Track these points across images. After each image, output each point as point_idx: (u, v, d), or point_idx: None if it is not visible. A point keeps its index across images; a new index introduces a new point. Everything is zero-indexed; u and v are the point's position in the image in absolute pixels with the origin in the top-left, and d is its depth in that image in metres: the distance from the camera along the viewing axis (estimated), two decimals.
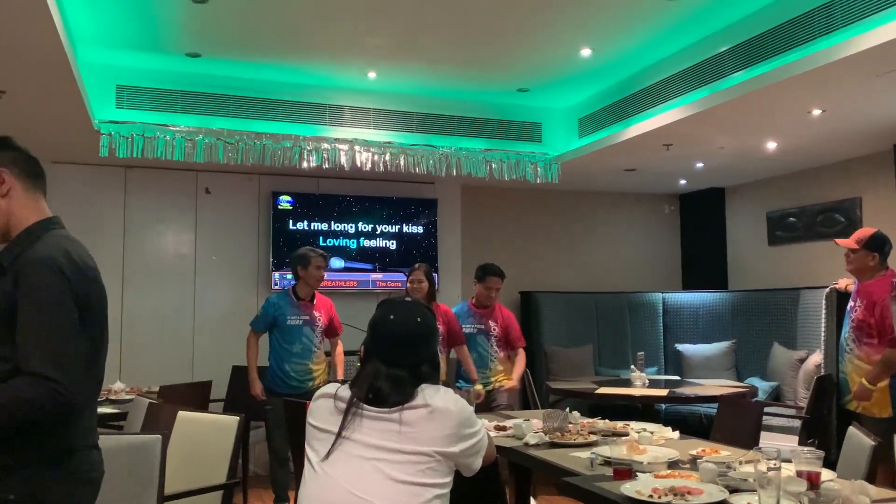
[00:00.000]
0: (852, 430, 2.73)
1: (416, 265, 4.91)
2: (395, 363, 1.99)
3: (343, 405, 1.97)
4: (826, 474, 2.40)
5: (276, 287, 6.38)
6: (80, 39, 4.65)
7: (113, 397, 4.86)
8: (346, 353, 5.68)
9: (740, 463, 2.54)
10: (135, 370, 5.87)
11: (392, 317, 2.04)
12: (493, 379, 5.03)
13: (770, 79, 4.16)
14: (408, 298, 2.10)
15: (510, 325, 5.16)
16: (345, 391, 2.00)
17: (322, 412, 2.01)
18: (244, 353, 6.22)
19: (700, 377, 6.39)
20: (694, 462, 2.71)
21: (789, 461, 2.44)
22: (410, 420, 1.93)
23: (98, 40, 4.72)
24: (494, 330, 5.08)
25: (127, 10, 4.26)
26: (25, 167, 1.93)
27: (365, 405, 1.95)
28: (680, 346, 6.95)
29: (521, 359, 5.13)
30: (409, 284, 4.83)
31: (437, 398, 1.96)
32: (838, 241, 4.37)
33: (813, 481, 2.26)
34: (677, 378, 6.28)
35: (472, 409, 2.08)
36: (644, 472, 2.54)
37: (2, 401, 1.67)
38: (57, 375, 1.68)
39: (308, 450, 2.02)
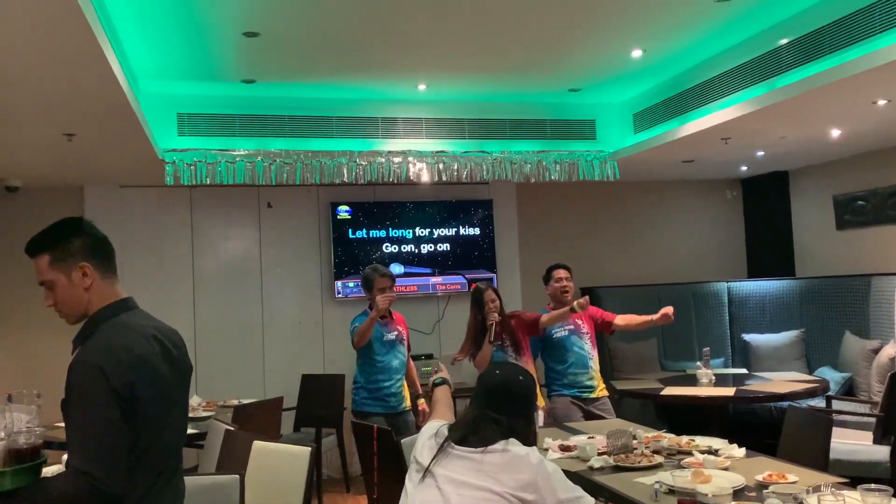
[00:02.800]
0: None
1: (485, 287, 4.87)
2: (492, 409, 2.21)
3: (440, 441, 2.21)
4: None
5: (340, 295, 6.52)
6: (141, 73, 4.82)
7: (191, 414, 5.07)
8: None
9: (807, 492, 2.52)
10: (210, 383, 6.11)
11: (498, 371, 2.35)
12: (595, 383, 4.88)
13: (832, 76, 4.02)
14: (513, 359, 2.33)
15: (594, 314, 5.03)
16: (444, 430, 2.25)
17: (424, 449, 2.25)
18: (313, 362, 6.45)
19: (768, 369, 6.28)
20: (760, 490, 2.71)
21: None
22: (491, 461, 2.12)
23: (157, 73, 4.88)
24: (584, 327, 4.93)
25: (182, 45, 4.39)
26: (100, 254, 2.01)
27: (454, 444, 2.18)
28: (747, 337, 6.83)
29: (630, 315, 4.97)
30: (488, 304, 4.73)
31: (519, 447, 2.15)
32: None
33: None
34: (744, 371, 6.19)
35: (557, 467, 2.18)
36: None
37: (51, 494, 1.80)
38: (95, 471, 1.77)
39: (407, 480, 2.26)
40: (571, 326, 4.92)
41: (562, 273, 5.03)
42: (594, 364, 4.93)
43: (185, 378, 2.09)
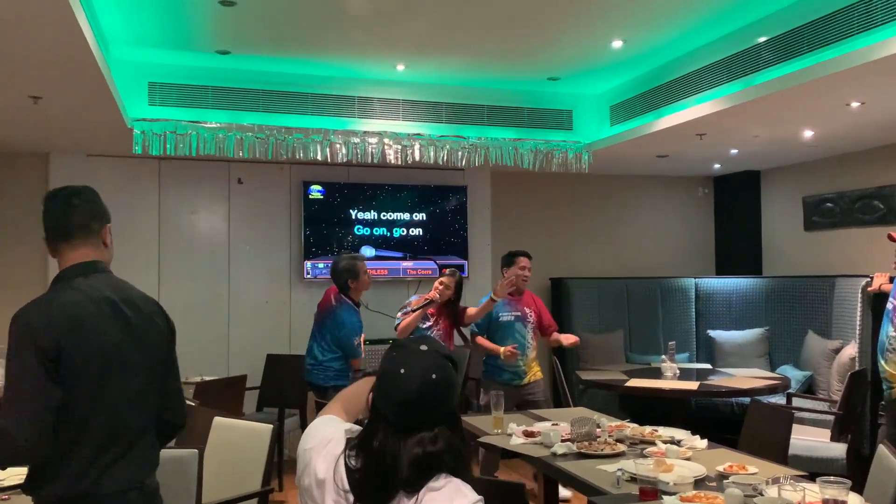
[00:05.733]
0: (882, 452, 2.70)
1: (448, 271, 5.02)
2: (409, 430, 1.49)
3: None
4: (853, 499, 2.40)
5: (309, 276, 6.45)
6: (112, 39, 4.70)
7: None
8: (375, 342, 5.84)
9: (767, 483, 2.55)
10: None
11: (403, 371, 1.52)
12: (527, 368, 5.00)
13: (808, 75, 4.05)
14: (423, 347, 1.58)
15: (542, 311, 5.21)
16: (342, 476, 1.51)
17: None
18: (278, 342, 6.39)
19: (732, 365, 6.35)
20: (721, 480, 2.73)
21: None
22: None
23: (129, 39, 4.76)
24: (531, 316, 5.08)
25: (156, 11, 4.28)
26: (52, 223, 2.06)
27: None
28: (712, 333, 6.90)
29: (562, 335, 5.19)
30: (437, 285, 4.90)
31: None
32: (894, 234, 4.26)
33: None
34: (708, 367, 6.26)
35: None
36: (670, 492, 2.56)
37: None
38: (10, 426, 1.78)
39: None
40: (519, 313, 5.05)
41: (525, 261, 5.11)
42: (531, 353, 5.06)
43: (147, 345, 2.04)
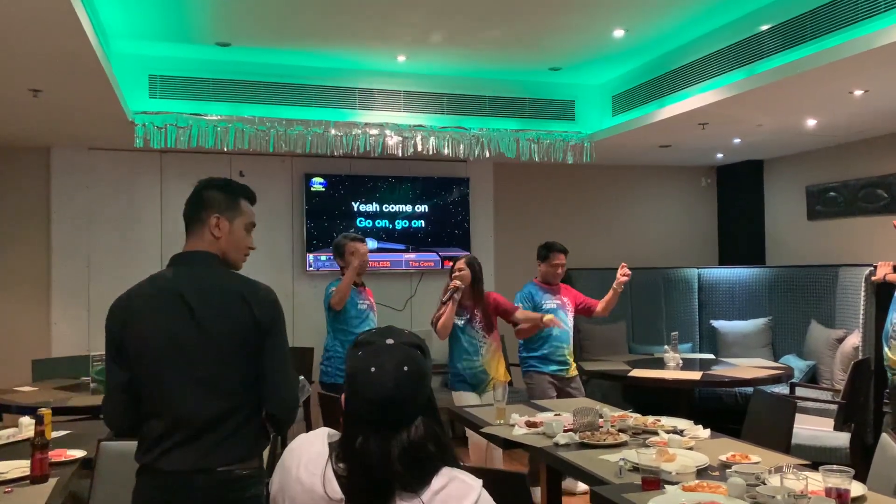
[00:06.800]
0: (885, 441, 2.69)
1: (461, 256, 4.78)
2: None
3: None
4: (856, 488, 2.39)
5: (311, 268, 6.45)
6: (112, 32, 4.69)
7: None
8: None
9: (770, 472, 2.54)
10: None
11: (374, 369, 1.46)
12: (570, 361, 4.93)
13: (811, 63, 4.03)
14: (389, 340, 1.49)
15: (577, 295, 5.12)
16: (333, 485, 1.42)
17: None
18: None
19: (735, 355, 6.34)
20: (723, 469, 2.72)
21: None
22: None
23: (130, 32, 4.75)
24: (568, 305, 5.03)
25: (156, 4, 4.27)
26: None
27: None
28: (715, 323, 6.88)
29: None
30: (455, 271, 4.62)
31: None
32: None
33: (843, 499, 2.26)
34: (712, 357, 6.25)
35: None
36: (672, 482, 2.56)
37: None
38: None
39: None
40: (559, 302, 4.98)
41: (562, 258, 5.04)
42: (571, 342, 5.00)
43: (216, 336, 2.01)
